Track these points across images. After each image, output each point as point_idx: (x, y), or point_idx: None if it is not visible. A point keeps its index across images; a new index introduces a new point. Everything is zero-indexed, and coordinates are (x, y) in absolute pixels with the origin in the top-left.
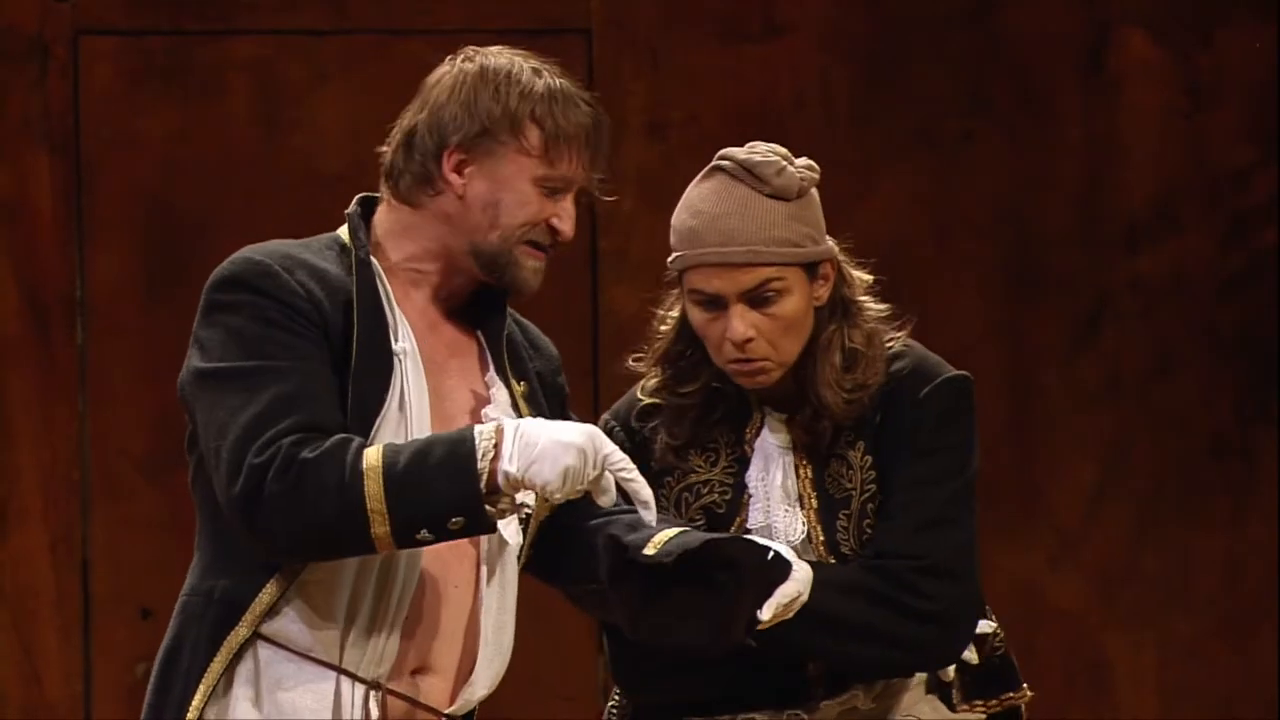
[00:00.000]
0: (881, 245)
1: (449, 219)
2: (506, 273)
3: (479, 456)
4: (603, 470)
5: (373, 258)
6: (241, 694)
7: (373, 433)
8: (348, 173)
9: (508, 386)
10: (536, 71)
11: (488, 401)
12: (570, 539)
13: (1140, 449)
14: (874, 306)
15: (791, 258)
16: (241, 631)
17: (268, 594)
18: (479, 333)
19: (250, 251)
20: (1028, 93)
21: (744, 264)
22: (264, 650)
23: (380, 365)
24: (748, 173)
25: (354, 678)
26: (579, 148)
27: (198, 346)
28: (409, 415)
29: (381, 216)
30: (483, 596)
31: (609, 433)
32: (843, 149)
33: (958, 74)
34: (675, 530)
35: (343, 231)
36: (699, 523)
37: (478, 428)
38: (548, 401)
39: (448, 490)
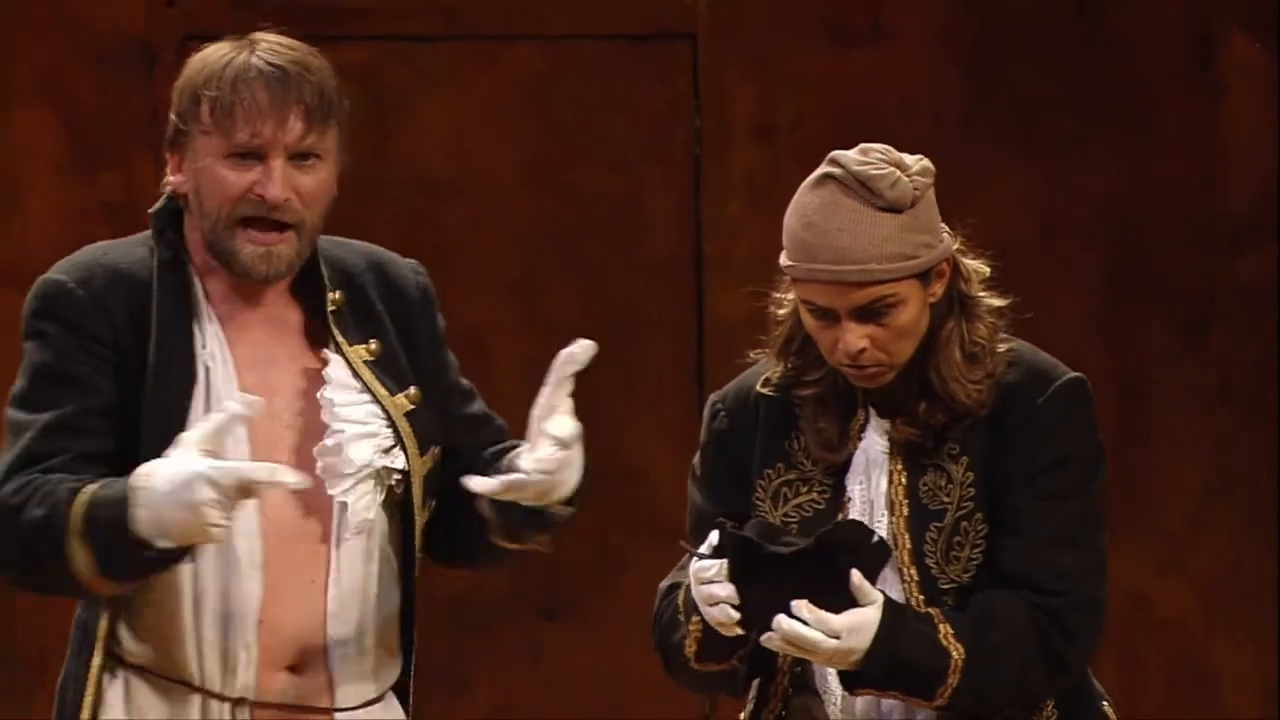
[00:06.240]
0: (989, 247)
1: (191, 219)
2: (233, 261)
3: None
4: (240, 481)
5: (187, 255)
6: None
7: None
8: (454, 178)
9: (345, 357)
10: (238, 49)
11: (322, 382)
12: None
13: (1247, 453)
14: (990, 301)
15: (905, 272)
16: (97, 660)
17: (105, 619)
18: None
19: (55, 270)
20: (1134, 95)
21: (856, 283)
22: (134, 679)
23: (181, 374)
24: (861, 185)
25: (218, 697)
26: (257, 110)
27: (21, 367)
28: None
29: None
30: (342, 587)
31: (714, 415)
32: (950, 152)
33: (1064, 77)
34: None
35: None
36: (792, 521)
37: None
38: (414, 346)
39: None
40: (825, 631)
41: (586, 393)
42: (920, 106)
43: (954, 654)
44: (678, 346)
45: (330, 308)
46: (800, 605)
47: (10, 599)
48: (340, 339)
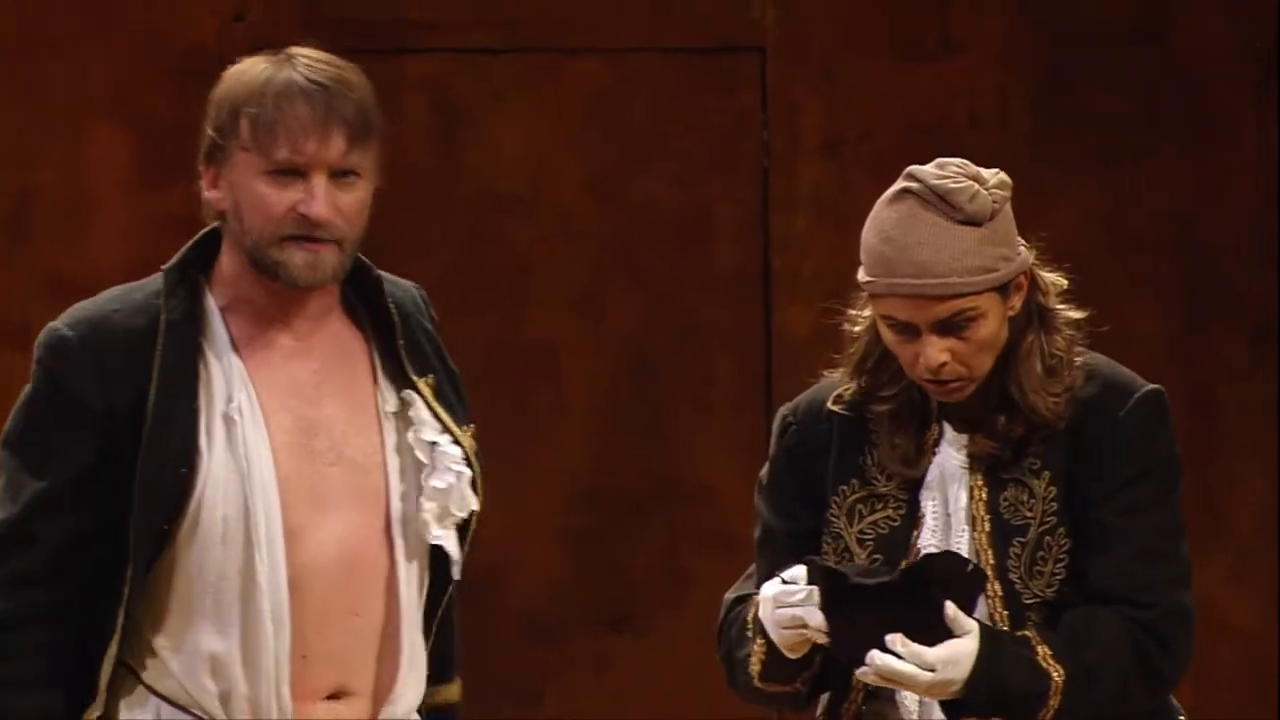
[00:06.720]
0: (1057, 262)
1: (231, 236)
2: (278, 272)
3: None
4: None
5: (211, 300)
6: None
7: (193, 501)
8: (522, 192)
9: (421, 394)
10: (278, 64)
11: (375, 420)
12: None
13: None
14: (1068, 313)
15: (985, 285)
16: (94, 714)
17: (118, 647)
18: (370, 341)
19: (63, 319)
20: (1201, 110)
21: (937, 296)
22: (165, 710)
23: (174, 451)
24: (940, 199)
25: None
26: (300, 127)
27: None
28: (246, 476)
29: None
30: (403, 617)
31: (784, 429)
32: (1018, 166)
33: (1133, 91)
34: None
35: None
36: (868, 537)
37: None
38: (449, 378)
39: None
40: (920, 665)
41: (653, 406)
42: (988, 120)
43: (1054, 675)
44: (745, 361)
45: (400, 340)
46: (895, 639)
47: None
48: (414, 375)
